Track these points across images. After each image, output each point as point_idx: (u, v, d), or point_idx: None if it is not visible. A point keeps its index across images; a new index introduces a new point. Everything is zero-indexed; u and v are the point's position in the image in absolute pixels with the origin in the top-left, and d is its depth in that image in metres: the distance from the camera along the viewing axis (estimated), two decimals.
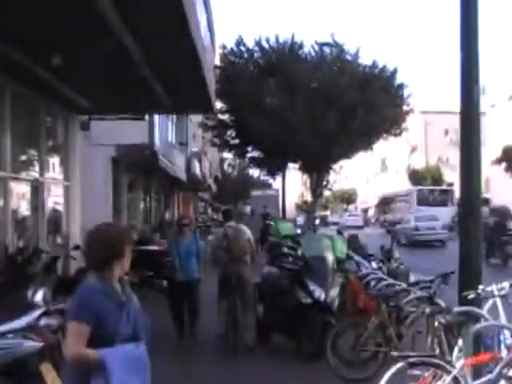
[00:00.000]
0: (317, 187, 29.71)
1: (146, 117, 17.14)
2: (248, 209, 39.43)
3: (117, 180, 18.21)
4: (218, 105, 24.77)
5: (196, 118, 33.18)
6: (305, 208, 55.84)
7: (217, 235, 9.77)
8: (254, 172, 50.25)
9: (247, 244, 9.29)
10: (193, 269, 9.36)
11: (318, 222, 35.75)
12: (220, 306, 9.21)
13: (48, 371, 4.99)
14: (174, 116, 27.51)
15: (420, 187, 46.95)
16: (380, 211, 57.15)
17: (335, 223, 55.31)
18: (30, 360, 5.03)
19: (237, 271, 8.94)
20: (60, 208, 13.21)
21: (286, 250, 13.21)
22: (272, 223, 25.98)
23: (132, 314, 3.36)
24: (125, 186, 20.03)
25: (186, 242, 9.42)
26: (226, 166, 58.60)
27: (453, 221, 37.11)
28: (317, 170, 28.80)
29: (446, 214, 36.47)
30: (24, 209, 11.44)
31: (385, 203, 54.81)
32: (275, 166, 31.54)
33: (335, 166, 31.39)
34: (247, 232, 9.51)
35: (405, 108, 28.78)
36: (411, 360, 4.97)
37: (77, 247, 10.76)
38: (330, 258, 8.91)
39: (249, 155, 31.16)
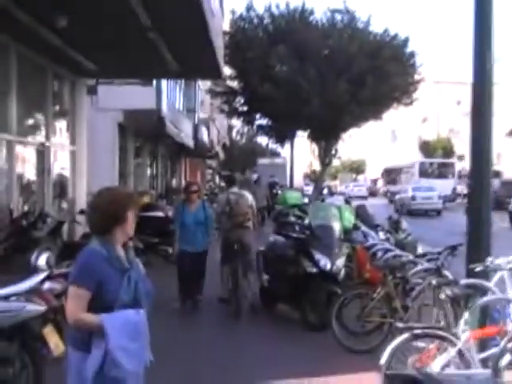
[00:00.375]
0: (325, 156, 29.46)
1: (154, 82, 17.05)
2: (255, 176, 39.31)
3: (123, 145, 18.15)
4: (227, 71, 24.48)
5: (204, 85, 32.90)
6: (313, 177, 55.63)
7: (220, 201, 9.66)
8: (263, 140, 50.10)
9: (249, 210, 9.24)
10: (200, 241, 9.08)
11: (325, 191, 35.67)
12: (223, 271, 9.22)
13: (51, 334, 4.98)
14: (183, 82, 27.29)
15: (422, 160, 48.79)
16: (386, 182, 57.99)
17: (341, 193, 55.24)
18: (32, 323, 5.02)
19: (238, 237, 8.93)
20: (66, 173, 13.18)
21: (292, 218, 13.17)
22: (279, 192, 25.92)
23: (133, 280, 3.30)
24: (131, 151, 19.98)
25: (193, 210, 9.14)
26: (234, 134, 58.30)
27: (453, 192, 38.63)
28: (325, 138, 28.53)
29: (446, 186, 38.71)
30: (30, 173, 11.40)
31: (389, 175, 56.45)
32: (284, 134, 31.30)
33: (344, 135, 31.10)
34: (249, 198, 9.44)
35: (416, 77, 28.35)
36: (416, 331, 4.93)
37: (82, 212, 10.77)
38: (336, 227, 8.78)
39: (257, 122, 30.91)
